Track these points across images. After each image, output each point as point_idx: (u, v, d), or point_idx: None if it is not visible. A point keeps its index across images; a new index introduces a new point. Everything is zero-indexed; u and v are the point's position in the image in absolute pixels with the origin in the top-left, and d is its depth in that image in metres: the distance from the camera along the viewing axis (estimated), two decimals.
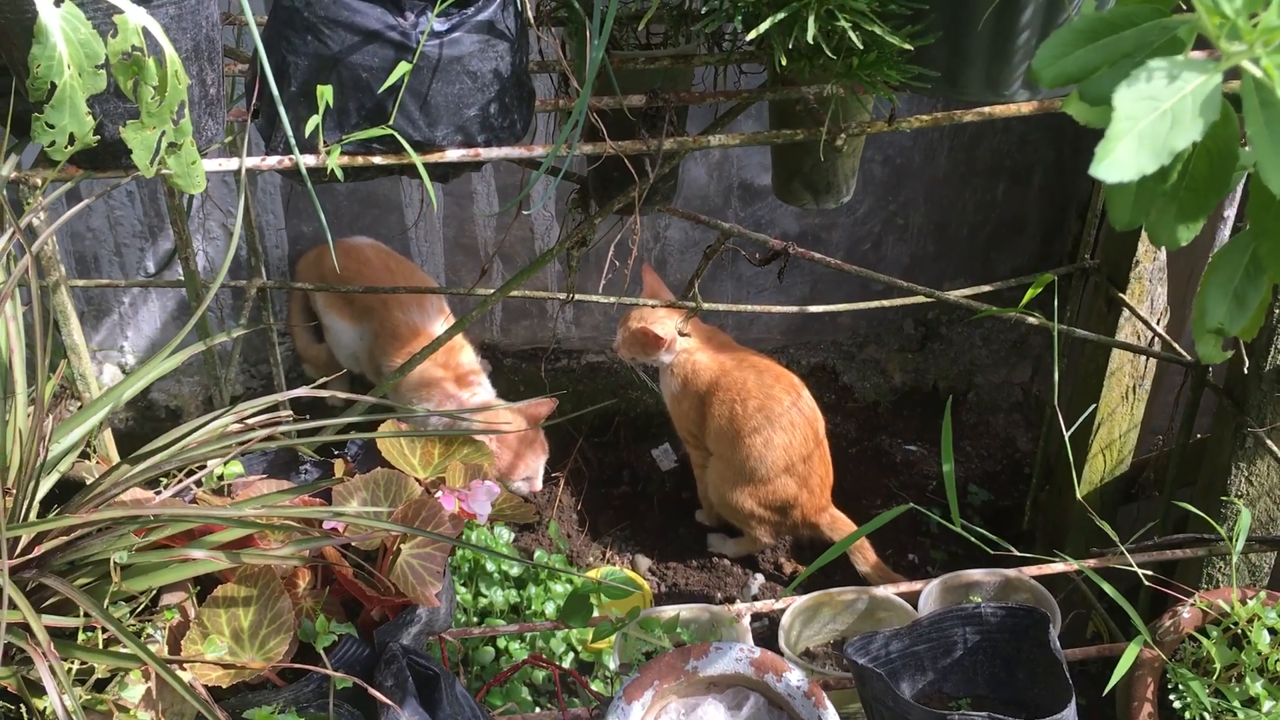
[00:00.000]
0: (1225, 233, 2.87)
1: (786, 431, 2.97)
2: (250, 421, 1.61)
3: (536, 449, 3.21)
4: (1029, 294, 1.88)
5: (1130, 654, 1.48)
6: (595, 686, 2.46)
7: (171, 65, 1.37)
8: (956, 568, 3.39)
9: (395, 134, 1.52)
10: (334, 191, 3.21)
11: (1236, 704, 1.48)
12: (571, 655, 2.77)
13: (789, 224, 3.53)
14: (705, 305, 2.36)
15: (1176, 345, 2.45)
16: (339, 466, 1.81)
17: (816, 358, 3.72)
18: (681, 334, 2.56)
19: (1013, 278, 3.78)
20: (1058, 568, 1.97)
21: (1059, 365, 2.85)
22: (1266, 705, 1.47)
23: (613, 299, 2.45)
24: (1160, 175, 1.19)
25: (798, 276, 3.55)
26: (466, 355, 3.29)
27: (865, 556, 3.07)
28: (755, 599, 3.35)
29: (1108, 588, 1.53)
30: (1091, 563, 1.95)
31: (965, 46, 1.61)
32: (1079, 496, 2.81)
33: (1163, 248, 2.55)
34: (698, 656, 1.65)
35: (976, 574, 2.00)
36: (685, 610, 1.97)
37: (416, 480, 1.74)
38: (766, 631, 2.81)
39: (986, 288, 2.64)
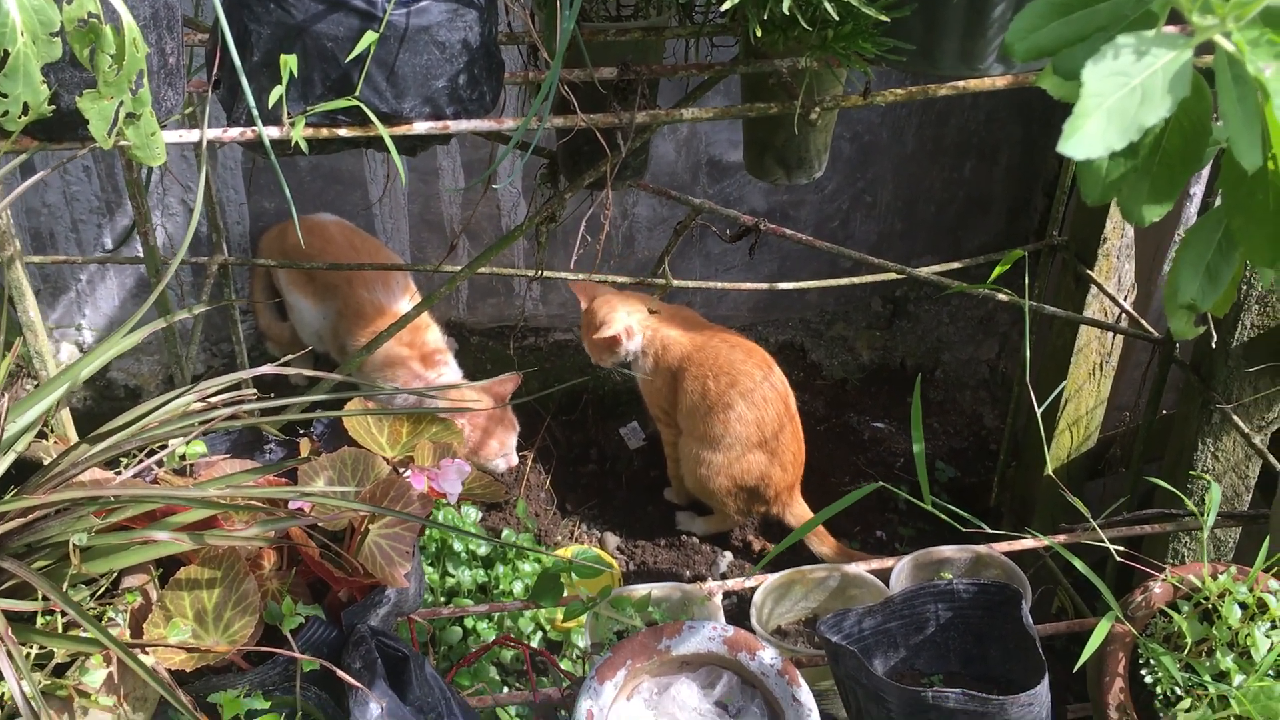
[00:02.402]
0: (1192, 210, 2.88)
1: (758, 407, 2.96)
2: (213, 400, 1.57)
3: (507, 426, 3.19)
4: (998, 269, 1.87)
5: (1102, 629, 1.48)
6: (564, 666, 2.44)
7: (129, 32, 1.33)
8: (924, 544, 3.40)
9: (362, 105, 1.48)
10: (297, 167, 3.16)
11: (1207, 678, 1.48)
12: (540, 635, 2.76)
13: (757, 201, 3.51)
14: (675, 282, 2.34)
15: (1144, 321, 2.45)
16: (304, 446, 1.77)
17: (784, 335, 3.71)
18: (651, 311, 2.54)
19: (980, 255, 3.80)
20: (1028, 544, 1.97)
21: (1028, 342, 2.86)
22: (1237, 679, 1.47)
23: (581, 276, 2.43)
24: (1131, 151, 1.18)
25: (766, 254, 3.54)
26: (432, 334, 3.26)
27: (823, 540, 3.06)
28: (724, 577, 3.35)
29: (1078, 563, 1.53)
30: (1061, 538, 1.95)
31: (940, 19, 1.60)
32: (1045, 472, 2.82)
33: (1130, 225, 2.55)
34: (670, 635, 1.64)
35: (947, 550, 1.99)
36: (657, 589, 1.95)
37: (385, 460, 1.71)
38: (736, 609, 2.81)
39: (956, 264, 2.64)
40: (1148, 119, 0.90)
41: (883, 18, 1.44)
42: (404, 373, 3.17)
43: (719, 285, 2.51)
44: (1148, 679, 1.53)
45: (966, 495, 3.44)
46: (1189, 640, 1.50)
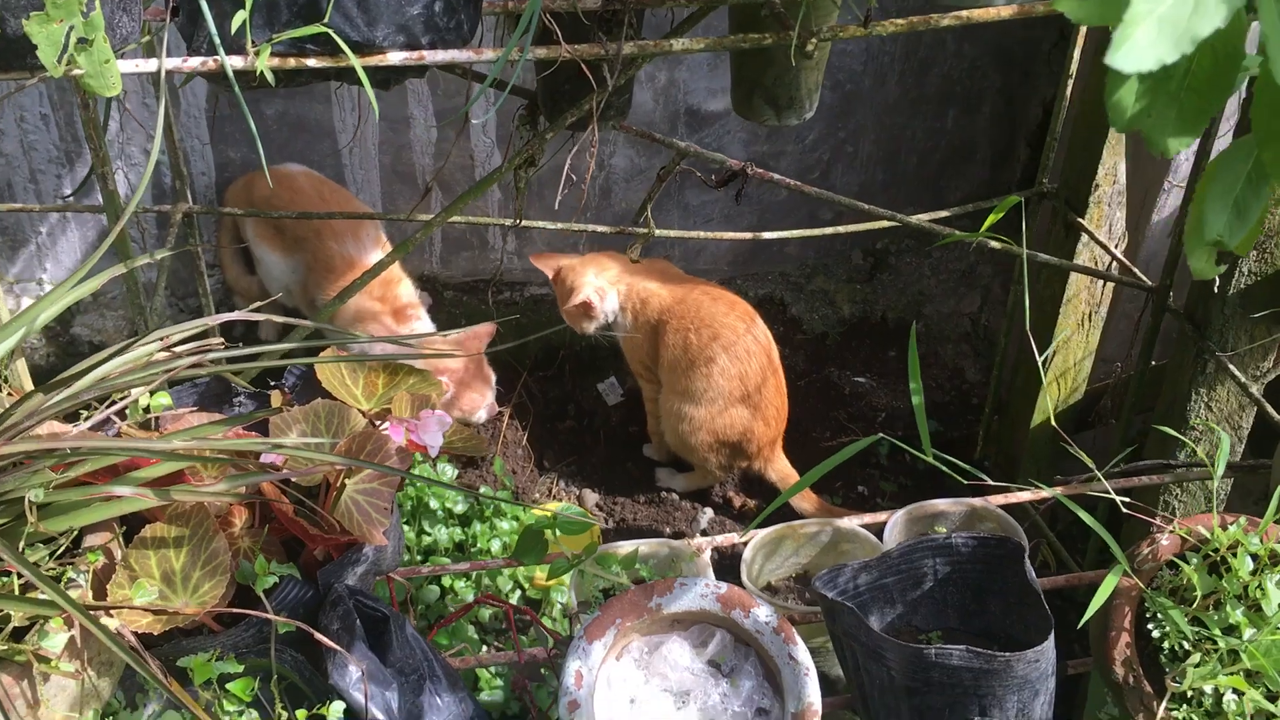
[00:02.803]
0: (1182, 156, 2.83)
1: (741, 360, 2.90)
2: (178, 349, 1.49)
3: (484, 377, 3.11)
4: (993, 215, 1.81)
5: (1109, 583, 1.42)
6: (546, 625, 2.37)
7: None
8: (907, 499, 3.35)
9: (330, 33, 1.39)
10: (263, 115, 3.05)
11: (1217, 632, 1.43)
12: (519, 593, 2.69)
13: (736, 150, 3.43)
14: (658, 231, 2.26)
15: (1136, 270, 2.40)
16: (275, 398, 1.69)
17: (764, 289, 3.65)
18: (633, 260, 2.46)
19: (961, 205, 3.74)
20: (1025, 496, 1.92)
21: (1015, 294, 2.80)
22: (1247, 633, 1.42)
23: (559, 225, 2.34)
24: (1165, 73, 1.11)
25: (746, 206, 3.46)
26: (405, 288, 3.18)
27: (805, 496, 3.02)
28: (705, 533, 3.29)
29: (1085, 515, 1.47)
30: (1060, 490, 1.90)
31: None
32: (1032, 426, 2.78)
33: (1121, 172, 2.49)
34: (661, 593, 1.57)
35: (941, 504, 1.94)
36: (643, 545, 1.89)
37: (360, 412, 1.63)
38: (723, 566, 2.75)
39: (944, 213, 2.57)
40: (1202, 29, 0.84)
41: None
42: (375, 327, 3.09)
43: (702, 235, 2.43)
44: (1155, 633, 1.48)
45: (951, 450, 3.35)
46: (1199, 593, 1.45)
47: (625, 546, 1.88)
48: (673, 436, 3.04)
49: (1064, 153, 2.59)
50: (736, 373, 2.90)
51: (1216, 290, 2.19)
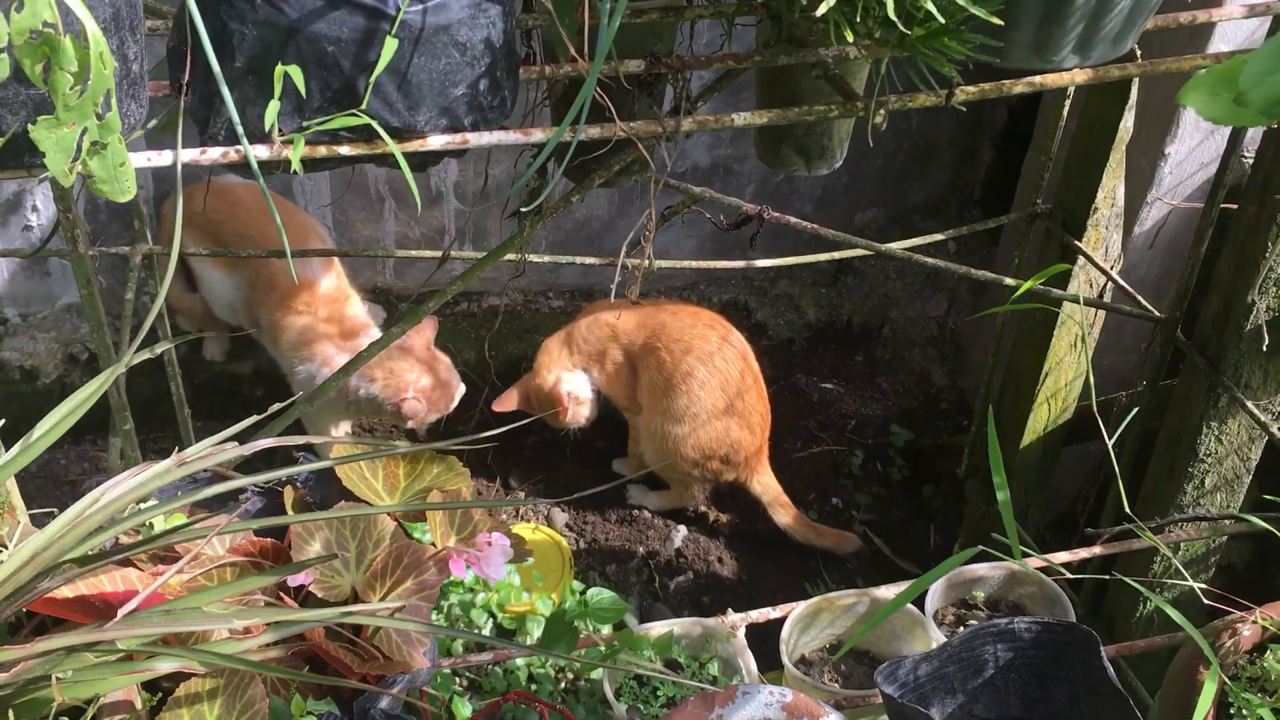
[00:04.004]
0: (1165, 169, 2.79)
1: (720, 370, 2.82)
2: (193, 465, 1.33)
3: (446, 370, 2.95)
4: (1046, 272, 1.72)
5: (1209, 692, 1.36)
6: (520, 661, 2.18)
7: (95, 45, 1.06)
8: (881, 511, 3.33)
9: (372, 122, 1.23)
10: None
11: None
12: (491, 623, 2.54)
13: (700, 156, 3.32)
14: (660, 263, 2.12)
15: (1140, 298, 2.35)
16: (288, 495, 1.54)
17: (728, 294, 3.55)
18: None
19: (925, 206, 3.68)
20: (1062, 557, 1.86)
21: (1003, 316, 2.74)
22: None
23: (554, 258, 2.20)
24: None
25: (709, 209, 3.35)
26: (353, 306, 3.01)
27: (785, 510, 2.97)
28: (679, 552, 3.21)
29: (1173, 613, 1.41)
30: (1097, 550, 1.86)
31: (1015, 6, 1.41)
32: (1022, 446, 2.74)
33: (1120, 194, 2.43)
34: (723, 704, 1.48)
35: (980, 569, 1.87)
36: (676, 626, 1.79)
37: (389, 515, 1.49)
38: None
39: (934, 236, 2.48)
40: None
41: (995, 20, 1.25)
42: (325, 349, 2.92)
43: (696, 264, 2.30)
44: None
45: (924, 458, 3.35)
46: None
47: (658, 628, 1.77)
48: (655, 456, 2.94)
49: (1061, 173, 2.52)
50: (717, 384, 2.82)
51: (1230, 325, 2.15)
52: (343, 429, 3.06)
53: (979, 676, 1.60)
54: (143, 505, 1.28)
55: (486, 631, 2.46)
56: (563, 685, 2.19)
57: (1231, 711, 1.46)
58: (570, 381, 2.91)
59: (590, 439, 3.35)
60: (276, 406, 1.56)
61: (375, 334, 2.98)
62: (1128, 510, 1.78)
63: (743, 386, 2.89)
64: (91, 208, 2.89)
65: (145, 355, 1.44)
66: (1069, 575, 1.78)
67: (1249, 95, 0.88)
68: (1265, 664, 1.45)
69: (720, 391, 2.85)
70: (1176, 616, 1.41)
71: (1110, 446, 1.74)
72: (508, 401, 2.97)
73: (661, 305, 2.96)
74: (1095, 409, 2.01)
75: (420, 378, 2.87)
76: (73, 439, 3.12)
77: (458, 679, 2.13)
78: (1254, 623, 1.48)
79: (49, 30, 1.04)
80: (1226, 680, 1.45)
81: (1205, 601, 1.56)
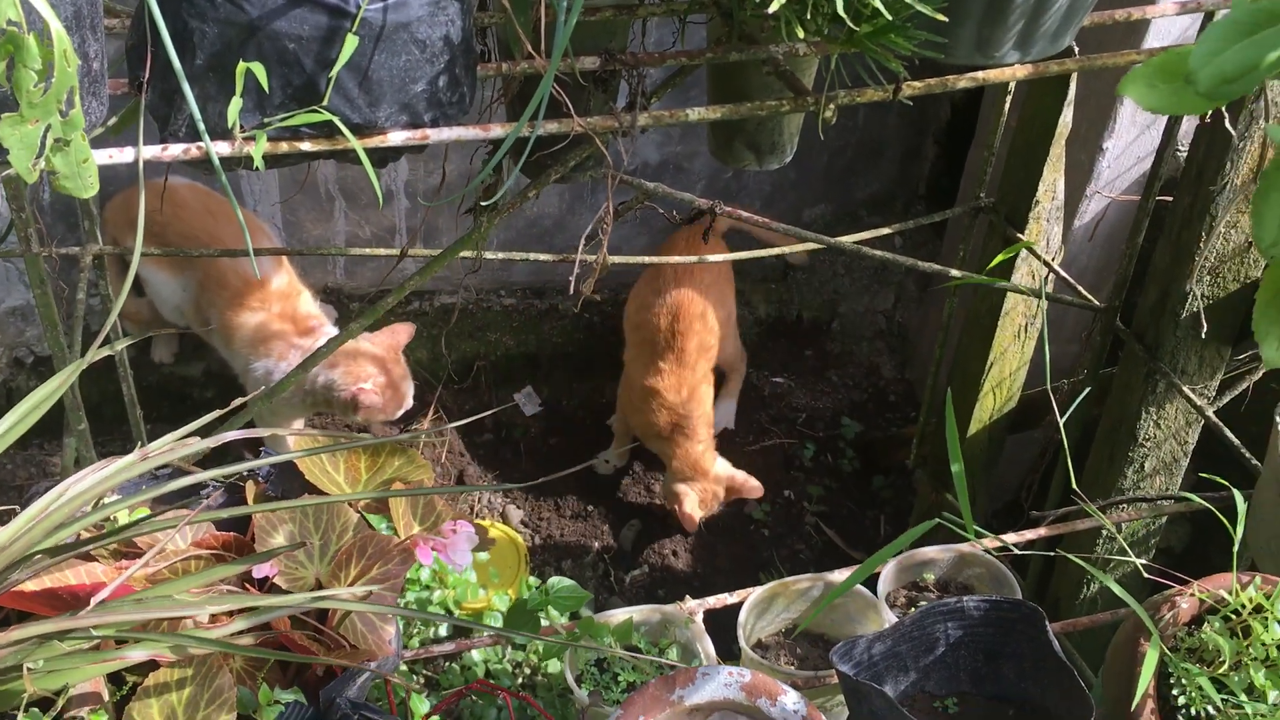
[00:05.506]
0: (1103, 164, 2.87)
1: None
2: (157, 460, 1.34)
3: (407, 380, 2.97)
4: (997, 259, 1.78)
5: (1151, 661, 1.42)
6: (478, 656, 2.20)
7: (59, 43, 1.07)
8: (833, 503, 3.38)
9: (333, 118, 1.25)
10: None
11: (1242, 696, 1.45)
12: (448, 620, 2.56)
13: (650, 154, 3.35)
14: (614, 259, 2.15)
15: (1081, 289, 2.41)
16: (250, 490, 1.55)
17: None
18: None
19: (870, 202, 3.73)
20: (1010, 538, 1.91)
21: (949, 306, 2.80)
22: (1272, 695, 1.44)
23: (509, 254, 2.22)
24: None
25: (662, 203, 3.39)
26: (304, 302, 3.01)
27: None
28: (635, 545, 3.24)
29: (1115, 587, 1.47)
30: (1043, 532, 1.91)
31: (958, 5, 1.46)
32: (969, 434, 2.80)
33: (1060, 188, 2.50)
34: (683, 684, 1.51)
35: (930, 551, 1.92)
36: (635, 613, 1.82)
37: (350, 505, 1.51)
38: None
39: (885, 230, 2.52)
40: None
41: (940, 17, 1.30)
42: (280, 345, 2.91)
43: (657, 260, 2.34)
44: (1180, 699, 1.49)
45: (874, 450, 3.41)
46: (1227, 658, 1.46)
47: (618, 615, 1.80)
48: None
49: (1002, 167, 2.58)
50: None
51: (1167, 312, 2.22)
52: (297, 426, 3.06)
53: (930, 654, 1.64)
54: (106, 500, 1.29)
55: (443, 630, 2.48)
56: (520, 680, 2.21)
57: (1171, 681, 1.51)
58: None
59: (543, 435, 3.38)
60: (238, 401, 1.58)
61: (331, 330, 2.98)
62: (1075, 487, 1.84)
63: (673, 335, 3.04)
64: (34, 208, 2.86)
65: (106, 352, 1.45)
66: (1016, 551, 1.83)
67: (1198, 75, 0.92)
68: (1203, 635, 1.50)
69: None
70: (1118, 590, 1.47)
71: (1061, 424, 1.79)
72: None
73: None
74: (1050, 391, 2.07)
75: (378, 374, 2.88)
76: (19, 444, 3.09)
77: (415, 678, 2.14)
78: (1192, 595, 1.54)
79: (13, 28, 1.05)
80: (1167, 651, 1.51)
81: (1146, 576, 1.62)
